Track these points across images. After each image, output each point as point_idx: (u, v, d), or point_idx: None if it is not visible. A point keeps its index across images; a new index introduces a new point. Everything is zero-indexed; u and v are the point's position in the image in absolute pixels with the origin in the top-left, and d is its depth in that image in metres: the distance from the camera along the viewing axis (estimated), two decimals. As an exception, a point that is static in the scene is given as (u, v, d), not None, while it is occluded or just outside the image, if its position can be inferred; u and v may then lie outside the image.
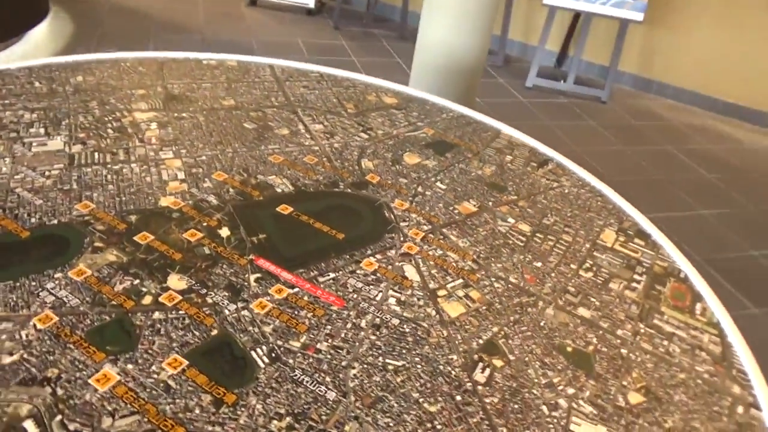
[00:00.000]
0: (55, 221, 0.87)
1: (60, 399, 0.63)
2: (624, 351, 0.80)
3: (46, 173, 0.97)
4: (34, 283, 0.76)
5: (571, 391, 0.73)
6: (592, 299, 0.89)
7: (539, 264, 0.94)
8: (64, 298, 0.74)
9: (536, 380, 0.74)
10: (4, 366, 0.65)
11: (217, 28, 4.11)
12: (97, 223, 0.88)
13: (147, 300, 0.76)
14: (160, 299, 0.76)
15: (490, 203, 1.08)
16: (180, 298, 0.77)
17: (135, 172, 1.00)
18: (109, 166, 1.01)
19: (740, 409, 0.75)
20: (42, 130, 1.08)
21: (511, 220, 1.04)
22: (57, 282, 0.77)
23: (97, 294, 0.76)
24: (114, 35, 3.69)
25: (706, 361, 0.81)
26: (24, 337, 0.69)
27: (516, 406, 0.70)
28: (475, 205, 1.06)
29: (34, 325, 0.70)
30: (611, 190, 1.18)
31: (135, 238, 0.86)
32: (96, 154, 1.03)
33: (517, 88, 4.16)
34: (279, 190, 1.02)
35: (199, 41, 3.82)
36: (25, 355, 0.67)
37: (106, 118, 1.15)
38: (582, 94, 4.19)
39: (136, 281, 0.79)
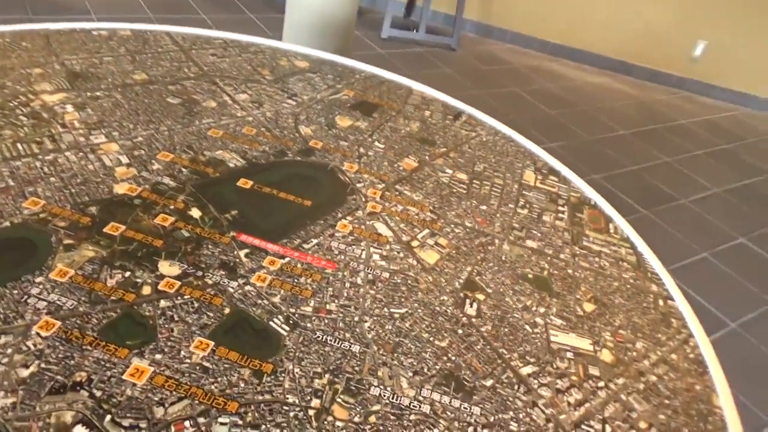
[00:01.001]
0: (7, 223, 0.80)
1: (101, 400, 0.62)
2: (570, 271, 0.96)
3: (-30, 172, 0.87)
4: (15, 291, 0.71)
5: (542, 310, 0.87)
6: (534, 231, 1.03)
7: (484, 207, 1.06)
8: (58, 301, 0.71)
9: (514, 306, 0.86)
10: (25, 380, 0.62)
11: (40, -14, 3.62)
12: (56, 220, 0.82)
13: (147, 290, 0.75)
14: (160, 287, 0.76)
15: (427, 157, 1.17)
16: (179, 283, 0.77)
17: (72, 161, 0.94)
18: (39, 157, 0.93)
19: (660, 303, 0.94)
20: (-60, 124, 0.95)
21: (449, 171, 1.14)
22: (41, 286, 0.72)
23: (91, 292, 0.73)
24: None
25: (628, 269, 1.00)
26: (33, 347, 0.65)
27: (506, 330, 0.82)
28: (414, 161, 1.15)
29: (38, 334, 0.67)
30: (519, 135, 1.34)
31: (105, 230, 0.82)
32: (19, 146, 0.94)
33: (374, 39, 4.25)
34: (232, 165, 1.02)
35: (22, 4, 3.35)
36: (43, 365, 0.64)
37: (11, 104, 1.04)
38: (434, 43, 4.40)
39: (127, 273, 0.77)
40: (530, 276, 0.93)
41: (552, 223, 1.07)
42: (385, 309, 0.81)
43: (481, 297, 0.87)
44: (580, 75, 4.59)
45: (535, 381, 0.76)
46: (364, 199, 1.01)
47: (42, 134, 0.98)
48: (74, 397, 0.62)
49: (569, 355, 0.81)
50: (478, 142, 1.27)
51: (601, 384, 0.78)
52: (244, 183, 0.98)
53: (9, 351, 0.64)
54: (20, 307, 0.69)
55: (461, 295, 0.86)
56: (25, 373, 0.63)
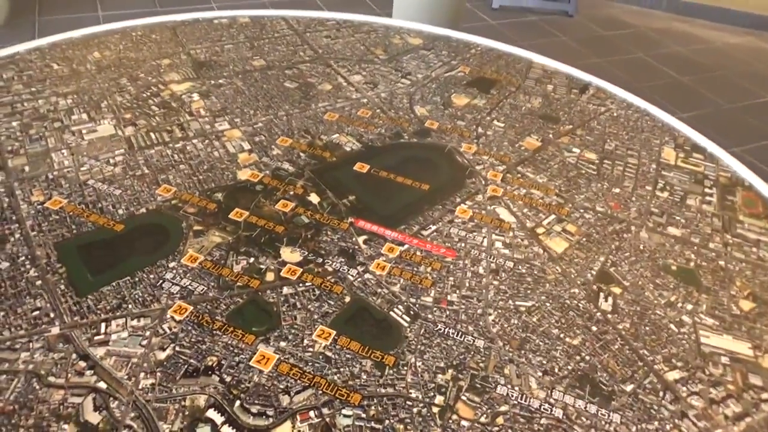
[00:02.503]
0: (143, 210, 0.84)
1: (231, 385, 0.63)
2: (722, 263, 0.85)
3: (111, 161, 0.93)
4: (152, 276, 0.74)
5: (689, 306, 0.78)
6: (677, 217, 0.93)
7: (617, 190, 0.97)
8: (189, 287, 0.73)
9: (655, 301, 0.78)
10: (162, 362, 0.65)
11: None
12: (186, 206, 0.85)
13: (270, 276, 0.76)
14: (282, 273, 0.76)
15: (551, 135, 1.09)
16: (300, 270, 0.77)
17: (200, 148, 0.97)
18: (170, 145, 0.97)
19: (836, 301, 0.81)
20: (85, 116, 1.02)
21: (576, 150, 1.06)
22: (174, 271, 0.75)
23: (219, 277, 0.75)
24: (58, -1, 3.42)
25: (793, 261, 0.87)
26: (168, 331, 0.68)
27: (647, 329, 0.74)
28: (537, 140, 1.07)
29: (173, 317, 0.70)
30: (655, 108, 1.21)
31: (231, 215, 0.84)
32: (152, 135, 0.99)
33: (484, 10, 4.09)
34: (348, 149, 1.00)
35: (153, -5, 3.59)
36: (178, 348, 0.66)
37: (144, 95, 1.09)
38: (549, 10, 4.16)
39: (251, 259, 0.78)
40: (674, 268, 0.83)
41: (698, 208, 0.95)
42: (510, 301, 0.76)
43: (617, 290, 0.79)
44: (717, 35, 4.13)
45: (684, 389, 0.67)
46: (484, 183, 0.96)
47: (172, 123, 1.02)
48: (206, 381, 0.63)
49: (724, 360, 0.71)
50: (608, 118, 1.16)
51: (765, 396, 0.68)
52: (361, 167, 0.96)
53: (147, 333, 0.68)
54: (156, 291, 0.72)
55: (594, 287, 0.79)
56: (162, 355, 0.65)
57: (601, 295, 0.78)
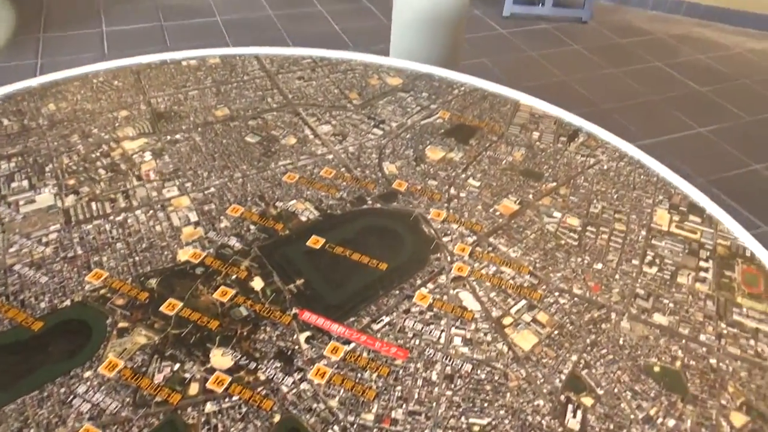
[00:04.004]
0: (68, 301, 0.77)
1: None
2: (713, 361, 0.75)
3: (43, 239, 0.86)
4: (63, 390, 0.67)
5: (671, 422, 0.68)
6: (665, 300, 0.82)
7: (599, 266, 0.87)
8: (101, 403, 0.66)
9: (632, 416, 0.68)
10: (56, 505, 0.57)
11: (169, -7, 3.81)
12: (115, 297, 0.78)
13: (194, 389, 0.68)
14: (208, 385, 0.68)
15: (530, 196, 0.99)
16: (229, 379, 0.69)
17: (141, 221, 0.90)
18: (111, 218, 0.90)
19: None
20: (26, 183, 0.95)
21: (557, 215, 0.96)
22: (89, 383, 0.68)
23: (137, 391, 0.67)
24: (60, 15, 3.40)
25: (798, 357, 0.76)
26: (69, 463, 0.61)
27: (619, 453, 0.65)
28: (515, 202, 0.98)
29: (77, 444, 0.62)
30: (649, 158, 1.10)
31: (162, 309, 0.77)
32: (93, 205, 0.92)
33: (494, 18, 3.97)
34: (304, 218, 0.92)
35: (153, 8, 3.55)
36: (77, 486, 0.59)
37: (93, 155, 1.02)
38: (562, 16, 4.02)
39: (176, 366, 0.70)
40: (656, 369, 0.73)
41: (690, 287, 0.85)
42: (463, 418, 0.67)
43: (588, 401, 0.69)
44: (740, 41, 3.94)
45: None
46: (449, 259, 0.87)
47: (117, 189, 0.95)
48: None
49: (706, 500, 0.61)
50: (597, 172, 1.06)
51: None
52: (315, 242, 0.88)
53: (46, 466, 0.60)
54: (64, 410, 0.65)
55: (562, 398, 0.69)
56: (57, 496, 0.58)
57: (570, 407, 0.69)
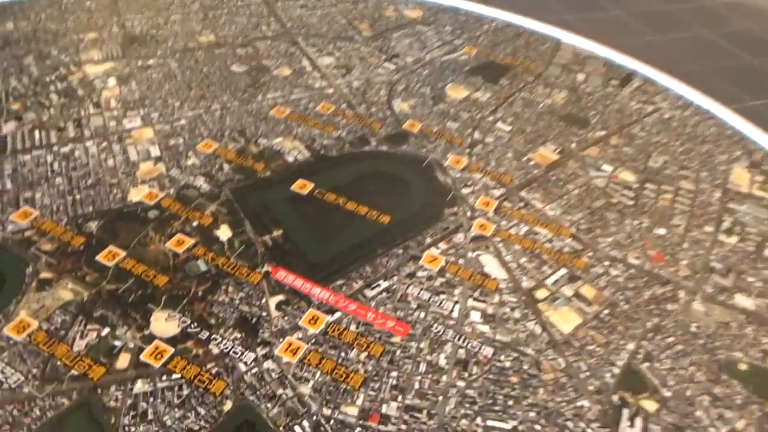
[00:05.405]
0: (-17, 244, 0.61)
1: None
2: (818, 359, 0.56)
3: (-32, 169, 0.70)
4: (-47, 354, 0.51)
5: (766, 440, 0.49)
6: (749, 278, 0.63)
7: (662, 231, 0.68)
8: (1, 373, 0.50)
9: (711, 429, 0.50)
10: None
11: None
12: (42, 241, 0.62)
13: (123, 361, 0.51)
14: (143, 357, 0.52)
15: (574, 145, 0.80)
16: (171, 350, 0.52)
17: (91, 154, 0.73)
18: (55, 148, 0.74)
19: None
20: (-40, 105, 0.79)
21: (607, 168, 0.77)
22: (-12, 347, 0.52)
23: (48, 361, 0.51)
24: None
25: None
26: (-59, 454, 0.45)
27: (695, 481, 0.47)
28: (555, 151, 0.79)
29: (-43, 429, 0.46)
30: (722, 108, 0.90)
31: (99, 257, 0.60)
32: (36, 133, 0.76)
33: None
34: (291, 159, 0.75)
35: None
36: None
37: (48, 78, 0.86)
38: (603, -19, 3.73)
39: (105, 330, 0.54)
40: (742, 366, 0.55)
41: (781, 263, 0.65)
42: (479, 420, 0.49)
43: (650, 406, 0.51)
44: (798, 12, 3.62)
45: None
46: (469, 215, 0.68)
47: (68, 117, 0.79)
48: None
49: None
50: (657, 121, 0.86)
51: None
52: (301, 186, 0.70)
53: None
54: (-51, 380, 0.49)
55: (614, 398, 0.51)
56: None
57: (625, 413, 0.50)
